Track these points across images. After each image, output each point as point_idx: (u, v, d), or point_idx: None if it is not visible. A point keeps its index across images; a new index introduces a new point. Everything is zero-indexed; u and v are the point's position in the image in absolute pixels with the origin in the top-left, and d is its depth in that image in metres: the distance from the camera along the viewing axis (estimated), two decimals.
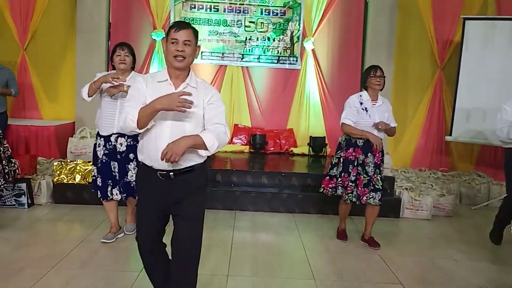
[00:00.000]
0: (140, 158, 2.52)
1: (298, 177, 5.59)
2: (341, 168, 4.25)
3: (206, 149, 2.36)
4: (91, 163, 4.59)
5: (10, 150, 4.51)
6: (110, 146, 3.91)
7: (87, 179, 5.19)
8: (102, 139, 3.92)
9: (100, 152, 3.94)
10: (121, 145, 3.89)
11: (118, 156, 3.91)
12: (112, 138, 3.89)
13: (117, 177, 3.95)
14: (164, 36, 6.79)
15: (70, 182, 5.23)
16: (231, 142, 7.11)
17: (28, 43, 6.84)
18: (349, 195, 4.20)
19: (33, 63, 6.88)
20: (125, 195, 4.01)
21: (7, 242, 3.98)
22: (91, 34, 6.78)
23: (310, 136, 7.03)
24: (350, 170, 4.18)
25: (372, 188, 4.16)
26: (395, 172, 6.40)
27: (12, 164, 4.50)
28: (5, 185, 4.40)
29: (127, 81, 3.86)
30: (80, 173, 5.21)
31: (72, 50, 6.90)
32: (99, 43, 6.79)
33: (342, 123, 4.17)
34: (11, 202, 4.95)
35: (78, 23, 6.80)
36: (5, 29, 6.76)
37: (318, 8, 7.10)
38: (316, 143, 6.95)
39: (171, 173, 2.43)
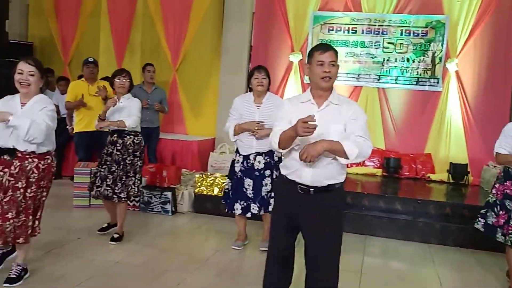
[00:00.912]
0: (283, 172, 2.64)
1: (436, 206, 5.27)
2: (497, 203, 3.72)
3: (345, 156, 2.39)
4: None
5: (137, 169, 4.37)
6: (248, 164, 4.17)
7: None
8: (242, 157, 4.21)
9: (238, 168, 4.22)
10: (259, 163, 4.13)
11: (256, 173, 4.13)
12: (251, 157, 4.15)
13: (248, 194, 4.14)
14: (301, 58, 7.06)
15: (209, 193, 5.59)
16: (363, 164, 7.00)
17: (179, 65, 7.53)
18: (510, 236, 3.55)
19: (182, 82, 7.55)
20: (258, 208, 4.13)
21: (153, 246, 4.39)
22: (234, 56, 7.27)
23: (450, 163, 6.59)
24: (509, 207, 3.61)
25: None
26: None
27: (131, 184, 4.30)
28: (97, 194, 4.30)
29: (263, 102, 4.14)
30: (219, 186, 5.53)
31: (216, 71, 7.45)
32: (240, 64, 7.23)
33: (496, 152, 3.70)
34: (157, 209, 5.45)
35: (223, 46, 7.34)
36: (161, 53, 7.54)
37: (465, 27, 6.69)
38: (457, 170, 6.49)
39: (311, 189, 2.50)
